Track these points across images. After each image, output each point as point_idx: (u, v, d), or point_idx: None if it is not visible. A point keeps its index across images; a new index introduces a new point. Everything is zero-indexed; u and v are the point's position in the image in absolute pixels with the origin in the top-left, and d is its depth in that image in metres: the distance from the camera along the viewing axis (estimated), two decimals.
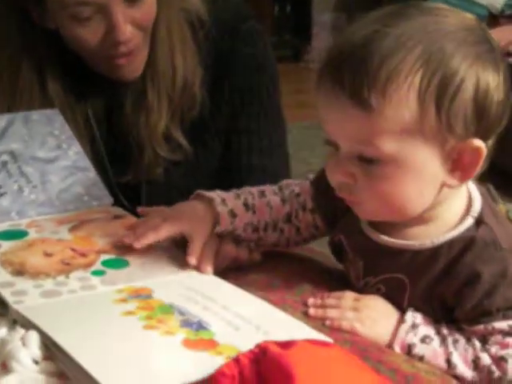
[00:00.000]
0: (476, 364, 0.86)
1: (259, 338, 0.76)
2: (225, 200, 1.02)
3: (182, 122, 1.30)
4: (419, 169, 0.83)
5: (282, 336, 0.75)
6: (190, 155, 1.32)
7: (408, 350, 0.87)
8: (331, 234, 1.01)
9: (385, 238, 0.92)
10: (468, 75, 0.81)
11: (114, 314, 0.85)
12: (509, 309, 0.86)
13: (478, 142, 0.83)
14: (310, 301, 0.94)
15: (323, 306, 0.92)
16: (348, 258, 0.98)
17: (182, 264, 0.99)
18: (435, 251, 0.88)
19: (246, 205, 1.03)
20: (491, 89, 0.82)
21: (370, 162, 0.83)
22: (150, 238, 0.98)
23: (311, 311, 0.92)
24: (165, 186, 1.33)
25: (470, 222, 0.88)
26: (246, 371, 0.69)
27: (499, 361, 0.85)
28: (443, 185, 0.85)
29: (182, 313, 0.85)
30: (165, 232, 0.99)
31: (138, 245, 0.97)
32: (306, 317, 0.91)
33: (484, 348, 0.86)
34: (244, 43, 1.32)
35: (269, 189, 1.06)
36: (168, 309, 0.86)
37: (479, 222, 0.88)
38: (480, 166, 0.84)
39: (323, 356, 0.70)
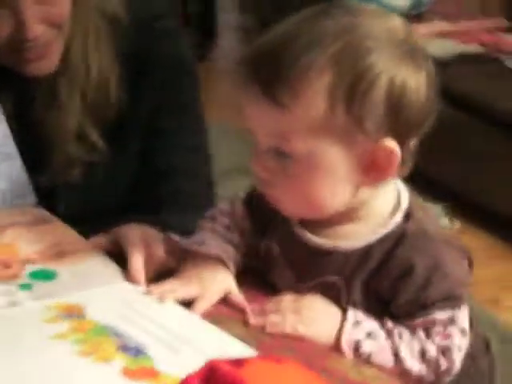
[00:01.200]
0: (423, 356, 0.86)
1: (200, 363, 0.73)
2: None
3: (97, 121, 1.25)
4: (331, 168, 0.83)
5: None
6: (108, 156, 1.26)
7: (355, 347, 0.86)
8: (259, 242, 0.98)
9: (316, 239, 0.91)
10: (383, 73, 0.80)
11: (43, 336, 0.81)
12: (445, 300, 0.86)
13: (390, 143, 0.82)
14: (249, 309, 0.91)
15: (263, 313, 0.90)
16: (276, 269, 0.96)
17: (113, 274, 0.96)
18: (367, 250, 0.88)
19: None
20: (409, 89, 0.82)
21: (285, 158, 0.83)
22: None
23: (251, 320, 0.89)
24: (82, 188, 1.28)
25: (399, 217, 0.88)
26: None
27: (445, 352, 0.85)
28: (359, 185, 0.85)
29: (118, 335, 0.82)
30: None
31: None
32: (246, 326, 0.89)
33: (429, 340, 0.86)
34: (161, 41, 1.27)
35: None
36: (103, 330, 0.83)
37: (408, 215, 0.88)
38: (395, 168, 0.84)
39: (277, 372, 0.66)
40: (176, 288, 0.92)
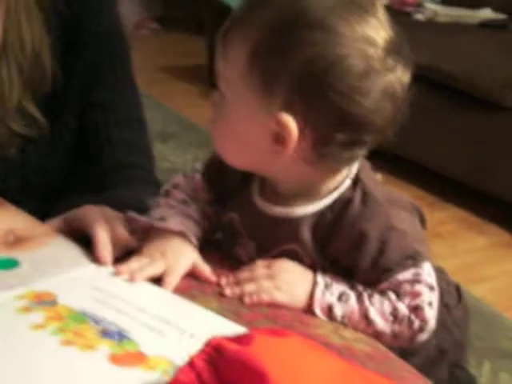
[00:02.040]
0: (395, 316, 0.86)
1: (187, 343, 0.74)
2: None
3: (35, 95, 1.21)
4: (243, 120, 0.85)
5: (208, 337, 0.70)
6: (46, 132, 1.23)
7: (328, 310, 0.87)
8: (223, 214, 0.98)
9: (272, 208, 0.91)
10: (306, 51, 0.79)
11: (21, 327, 0.78)
12: (405, 259, 0.86)
13: (286, 117, 0.82)
14: (223, 281, 0.90)
15: (237, 283, 0.89)
16: (239, 240, 0.96)
17: (78, 256, 0.93)
18: (318, 215, 0.89)
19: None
20: (332, 78, 0.79)
21: (221, 97, 0.86)
22: None
23: (227, 291, 0.89)
24: (20, 165, 1.23)
25: (347, 183, 0.89)
26: (205, 375, 0.63)
27: (415, 310, 0.86)
28: (266, 154, 0.85)
29: (97, 321, 0.79)
30: None
31: None
32: (221, 298, 0.88)
33: (399, 299, 0.87)
34: (91, 13, 1.23)
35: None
36: (80, 317, 0.80)
37: (356, 181, 0.89)
38: (291, 145, 0.83)
39: (286, 347, 0.65)
40: (144, 266, 0.90)
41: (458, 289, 1.05)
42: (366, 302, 0.87)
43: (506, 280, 2.25)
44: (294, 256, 0.91)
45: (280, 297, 0.88)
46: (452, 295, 1.02)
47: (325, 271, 0.90)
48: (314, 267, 0.90)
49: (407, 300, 0.86)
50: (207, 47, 3.83)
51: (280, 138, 0.83)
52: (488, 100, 2.35)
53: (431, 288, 0.87)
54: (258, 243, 0.94)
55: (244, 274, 0.90)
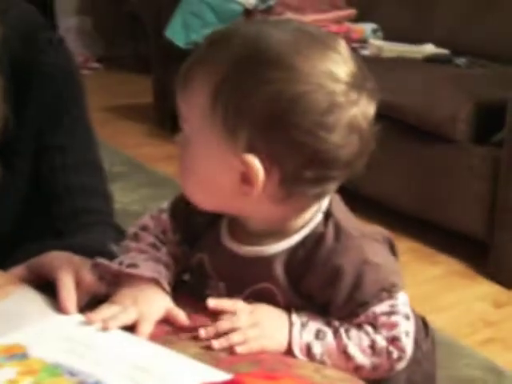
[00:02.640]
0: (373, 349, 0.86)
1: None
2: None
3: None
4: (207, 163, 0.84)
5: None
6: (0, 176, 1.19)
7: (307, 350, 0.86)
8: (192, 255, 0.96)
9: (241, 248, 0.90)
10: (272, 85, 0.78)
11: None
12: (381, 291, 0.86)
13: (250, 158, 0.80)
14: (202, 333, 0.86)
15: (220, 334, 0.86)
16: (208, 281, 0.94)
17: (44, 306, 0.89)
18: (291, 252, 0.88)
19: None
20: (301, 106, 0.78)
21: (184, 138, 0.86)
22: None
23: (215, 345, 0.84)
24: None
25: (319, 217, 0.88)
26: None
27: (393, 341, 0.86)
28: (234, 195, 0.84)
29: (72, 373, 0.76)
30: None
31: None
32: (198, 343, 0.85)
33: (376, 331, 0.86)
34: (43, 53, 1.20)
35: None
36: (55, 370, 0.77)
37: (327, 216, 0.88)
38: (258, 186, 0.81)
39: None
40: (116, 314, 0.87)
41: (424, 321, 1.04)
42: (344, 338, 0.86)
43: (462, 308, 2.27)
44: (267, 295, 0.89)
45: (268, 344, 0.86)
46: (420, 328, 1.01)
47: (299, 309, 0.89)
48: (288, 306, 0.89)
49: (384, 331, 0.86)
50: (153, 86, 3.81)
51: (247, 178, 0.82)
52: (438, 133, 2.38)
53: (407, 317, 0.87)
54: (228, 284, 0.92)
55: (226, 323, 0.87)
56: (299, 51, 0.80)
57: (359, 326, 0.87)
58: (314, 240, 0.87)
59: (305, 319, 0.87)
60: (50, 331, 0.85)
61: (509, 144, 2.26)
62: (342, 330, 0.86)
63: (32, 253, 1.01)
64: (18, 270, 0.98)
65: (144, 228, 0.98)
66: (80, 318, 0.87)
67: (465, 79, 2.61)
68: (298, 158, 0.80)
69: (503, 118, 2.27)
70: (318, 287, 0.87)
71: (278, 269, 0.88)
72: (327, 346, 0.86)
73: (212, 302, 0.88)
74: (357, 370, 0.87)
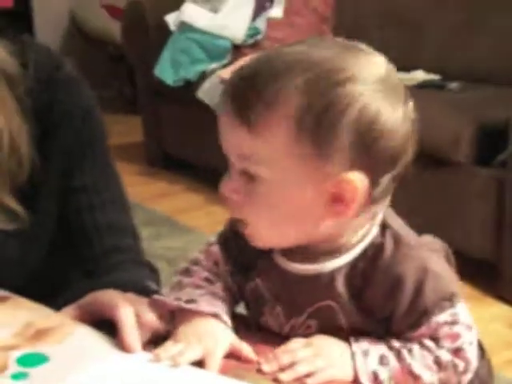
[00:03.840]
0: (438, 364, 0.84)
1: None
2: None
3: (12, 187, 1.15)
4: (292, 196, 0.82)
5: None
6: (27, 222, 1.17)
7: (374, 378, 0.84)
8: (246, 283, 0.95)
9: (299, 266, 0.89)
10: (353, 104, 0.79)
11: None
12: (442, 301, 0.85)
13: (355, 176, 0.81)
14: (266, 368, 0.84)
15: (283, 367, 0.84)
16: (265, 308, 0.93)
17: (107, 346, 0.87)
18: (351, 266, 0.87)
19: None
20: (383, 121, 0.80)
21: (252, 179, 0.83)
22: None
23: (283, 377, 0.83)
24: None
25: (375, 230, 0.88)
26: None
27: (457, 352, 0.85)
28: (323, 218, 0.83)
29: None
30: None
31: None
32: (267, 375, 0.83)
33: (439, 345, 0.85)
34: (62, 92, 1.19)
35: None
36: None
37: (384, 227, 0.88)
38: (358, 203, 0.82)
39: None
40: (182, 351, 0.85)
41: (479, 343, 1.03)
42: (407, 358, 0.85)
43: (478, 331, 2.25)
44: (328, 313, 0.88)
45: (336, 373, 0.84)
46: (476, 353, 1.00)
47: (360, 327, 0.87)
48: (348, 325, 0.87)
49: (447, 343, 0.85)
50: (143, 125, 3.81)
51: (339, 198, 0.82)
52: (441, 157, 2.39)
53: (469, 327, 0.86)
54: (286, 307, 0.91)
55: (287, 356, 0.84)
56: (354, 62, 0.81)
57: (421, 344, 0.85)
58: (373, 251, 0.87)
59: (365, 347, 0.86)
60: (115, 370, 0.83)
61: None
62: (404, 351, 0.85)
63: (79, 292, 1.00)
64: (70, 309, 0.96)
65: (195, 262, 0.97)
66: (144, 355, 0.85)
67: (461, 103, 2.63)
68: (384, 163, 0.82)
69: (505, 139, 2.29)
70: (379, 298, 0.86)
71: (339, 284, 0.87)
72: (393, 370, 0.85)
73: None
74: None
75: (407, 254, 0.86)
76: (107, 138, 1.28)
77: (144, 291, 1.02)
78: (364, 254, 0.87)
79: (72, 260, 1.26)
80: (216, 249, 0.97)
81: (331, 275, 0.87)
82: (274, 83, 0.79)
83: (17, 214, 1.15)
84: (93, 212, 1.22)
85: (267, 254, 0.92)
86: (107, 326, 0.91)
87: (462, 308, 0.86)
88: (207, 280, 0.95)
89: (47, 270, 1.25)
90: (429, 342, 0.85)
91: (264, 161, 0.81)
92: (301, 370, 0.83)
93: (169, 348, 0.86)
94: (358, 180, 0.81)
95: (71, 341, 0.87)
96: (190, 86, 3.38)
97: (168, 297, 0.93)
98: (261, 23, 3.45)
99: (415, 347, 0.85)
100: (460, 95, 2.79)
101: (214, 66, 3.36)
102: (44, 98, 1.18)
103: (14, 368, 0.81)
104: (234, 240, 0.94)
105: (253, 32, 3.45)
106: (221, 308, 0.91)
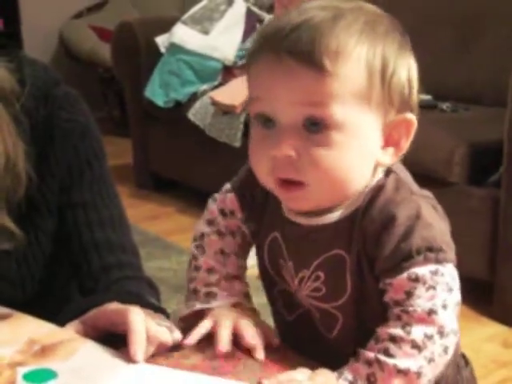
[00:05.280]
0: (417, 347, 0.81)
1: None
2: None
3: (7, 205, 1.14)
4: (362, 139, 0.84)
5: None
6: (23, 241, 1.15)
7: None
8: (264, 235, 0.96)
9: (307, 220, 0.90)
10: (400, 56, 0.85)
11: None
12: (428, 250, 0.83)
13: (410, 116, 0.86)
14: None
15: None
16: (280, 261, 0.94)
17: (116, 359, 0.86)
18: (354, 212, 0.88)
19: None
20: (414, 68, 0.87)
21: (315, 131, 0.82)
22: None
23: None
24: None
25: (380, 174, 0.89)
26: None
27: (429, 315, 0.81)
28: (377, 164, 0.87)
29: None
30: None
31: None
32: None
33: (408, 328, 0.82)
34: (60, 109, 1.19)
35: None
36: None
37: (388, 172, 0.89)
38: (409, 142, 0.88)
39: None
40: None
41: (464, 356, 1.03)
42: (388, 360, 0.82)
43: (472, 350, 2.24)
44: (336, 263, 0.88)
45: None
46: (460, 356, 1.00)
47: (365, 275, 0.87)
48: (355, 273, 0.87)
49: (421, 302, 0.82)
50: (133, 146, 3.79)
51: (391, 141, 0.86)
52: (434, 177, 2.39)
53: (449, 289, 0.83)
54: (295, 260, 0.92)
55: None
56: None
57: (392, 338, 0.82)
58: (374, 191, 0.87)
59: (350, 376, 0.84)
60: (128, 382, 0.82)
61: (506, 184, 2.28)
62: (381, 357, 0.82)
63: (81, 308, 0.99)
64: (74, 325, 0.95)
65: (210, 222, 1.00)
66: (151, 369, 0.85)
67: (453, 123, 2.64)
68: (414, 109, 0.88)
69: (497, 159, 2.30)
70: (373, 238, 0.85)
71: (344, 233, 0.88)
72: (383, 381, 0.82)
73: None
74: (420, 376, 0.82)
75: (406, 198, 0.86)
76: (105, 154, 1.27)
77: (148, 307, 1.01)
78: (366, 195, 0.88)
79: (72, 277, 1.25)
80: (232, 197, 0.99)
81: (336, 225, 0.88)
82: (340, 29, 0.82)
83: (13, 233, 1.14)
84: (92, 229, 1.21)
85: (276, 209, 0.93)
86: (111, 342, 0.90)
87: (449, 269, 0.84)
88: (221, 252, 0.98)
89: (47, 286, 1.24)
90: (399, 331, 0.82)
91: (338, 102, 0.81)
92: None
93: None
94: (413, 119, 0.87)
95: (78, 356, 0.86)
96: (180, 108, 3.38)
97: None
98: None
99: (389, 345, 0.82)
100: (451, 115, 2.80)
101: (204, 87, 3.37)
102: (42, 115, 1.17)
103: None
104: (249, 189, 0.97)
105: (243, 53, 3.45)
106: (238, 292, 0.96)
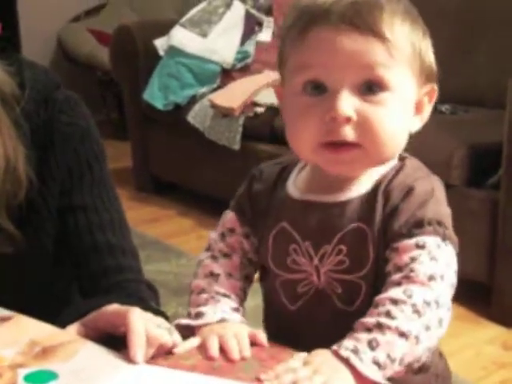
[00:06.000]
0: (417, 312, 0.83)
1: None
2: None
3: (7, 208, 1.14)
4: (408, 102, 0.92)
5: None
6: (23, 244, 1.15)
7: (378, 366, 0.82)
8: (268, 233, 0.98)
9: (327, 197, 0.94)
10: (425, 37, 0.94)
11: None
12: (438, 223, 0.89)
13: (434, 85, 0.96)
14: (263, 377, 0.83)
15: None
16: (291, 247, 0.96)
17: (116, 360, 0.86)
18: (376, 186, 0.93)
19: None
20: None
21: (371, 93, 0.89)
22: None
23: None
24: None
25: (396, 159, 0.96)
26: None
27: (429, 280, 0.85)
28: (413, 127, 0.95)
29: None
30: None
31: None
32: None
33: (408, 292, 0.85)
34: (61, 112, 1.19)
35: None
36: None
37: (403, 158, 0.96)
38: (430, 104, 0.97)
39: None
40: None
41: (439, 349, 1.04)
42: (390, 322, 0.83)
43: (472, 352, 2.25)
44: (360, 234, 0.91)
45: None
46: (437, 349, 1.01)
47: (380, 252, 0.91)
48: (377, 248, 0.91)
49: (422, 268, 0.86)
50: (132, 149, 3.80)
51: (419, 107, 0.95)
52: None
53: (448, 266, 0.88)
54: (314, 238, 0.94)
55: (287, 376, 0.82)
56: None
57: (393, 301, 0.84)
58: (394, 170, 0.94)
59: (351, 345, 0.83)
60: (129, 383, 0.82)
61: (505, 186, 2.28)
62: (382, 320, 0.83)
63: (81, 310, 1.00)
64: (75, 327, 0.95)
65: (207, 249, 1.03)
66: (152, 369, 0.85)
67: (453, 125, 2.64)
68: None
69: (497, 161, 2.30)
70: (392, 204, 0.91)
71: (368, 203, 0.92)
72: (386, 344, 0.82)
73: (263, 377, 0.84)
74: (418, 342, 0.83)
75: (423, 177, 0.93)
76: (105, 158, 1.27)
77: (147, 310, 1.01)
78: (386, 175, 0.94)
79: (72, 279, 1.25)
80: (231, 215, 1.03)
81: (360, 199, 0.93)
82: (387, 7, 0.89)
83: (13, 236, 1.14)
84: (92, 231, 1.21)
85: (283, 197, 0.98)
86: (111, 344, 0.90)
87: (450, 249, 0.90)
88: (211, 274, 1.00)
89: (48, 289, 1.24)
90: (400, 294, 0.84)
91: (396, 66, 0.89)
92: None
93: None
94: (436, 88, 0.96)
95: (79, 358, 0.86)
96: (179, 111, 3.38)
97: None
98: (250, 47, 3.47)
99: (390, 308, 0.84)
100: (451, 117, 2.81)
101: (203, 90, 3.37)
102: (42, 118, 1.17)
103: None
104: (247, 200, 1.01)
105: (242, 56, 3.46)
106: (225, 309, 0.97)
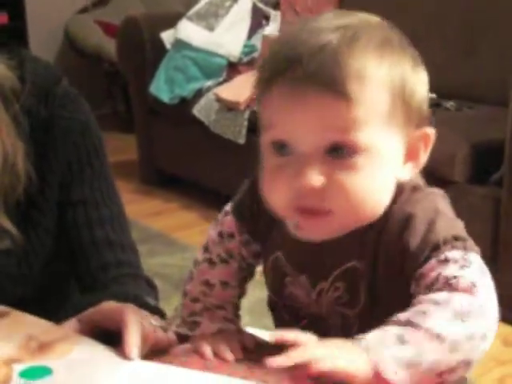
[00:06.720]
0: (461, 314, 0.75)
1: None
2: None
3: (5, 203, 1.14)
4: (386, 160, 0.82)
5: None
6: (20, 240, 1.16)
7: (402, 364, 0.73)
8: (266, 255, 0.95)
9: None
10: (415, 73, 0.84)
11: None
12: (454, 239, 0.81)
13: (429, 130, 0.86)
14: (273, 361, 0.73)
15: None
16: (287, 279, 0.92)
17: (112, 356, 0.87)
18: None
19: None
20: (426, 81, 0.86)
21: (340, 157, 0.80)
22: None
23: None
24: None
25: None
26: None
27: (472, 288, 0.77)
28: (397, 180, 0.85)
29: None
30: None
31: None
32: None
33: (452, 294, 0.76)
34: (61, 107, 1.19)
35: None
36: None
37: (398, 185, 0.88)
38: (427, 150, 0.88)
39: None
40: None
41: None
42: (426, 320, 0.75)
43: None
44: (352, 276, 0.86)
45: (342, 364, 0.73)
46: None
47: (381, 289, 0.85)
48: (371, 287, 0.85)
49: (456, 283, 0.77)
50: (138, 142, 3.81)
51: (413, 154, 0.86)
52: (437, 175, 2.39)
53: (483, 272, 0.80)
54: (311, 274, 0.90)
55: (300, 356, 0.74)
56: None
57: (436, 303, 0.76)
58: (391, 200, 0.86)
59: (377, 334, 0.75)
60: (124, 379, 0.83)
61: (508, 183, 2.28)
62: (417, 317, 0.75)
63: (79, 306, 1.01)
64: (71, 323, 0.96)
65: (206, 249, 0.99)
66: (148, 366, 0.86)
67: (457, 121, 2.64)
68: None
69: (500, 158, 2.30)
70: (394, 240, 0.83)
71: (362, 242, 0.86)
72: (415, 343, 0.74)
73: (272, 336, 0.77)
74: (455, 350, 0.74)
75: (420, 197, 0.86)
76: (106, 152, 1.28)
77: (144, 307, 1.01)
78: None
79: (70, 274, 1.26)
80: (230, 219, 0.98)
81: (353, 234, 0.85)
82: (356, 53, 0.79)
83: (10, 233, 1.14)
84: (91, 227, 1.21)
85: (281, 226, 0.89)
86: (107, 340, 0.91)
87: (475, 257, 0.81)
88: (206, 283, 0.98)
89: (46, 284, 1.24)
90: (443, 296, 0.76)
91: (364, 128, 0.79)
92: (314, 355, 0.73)
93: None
94: (431, 133, 0.87)
95: (74, 354, 0.87)
96: (185, 104, 3.39)
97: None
98: (257, 41, 3.47)
99: (430, 307, 0.76)
100: (455, 114, 2.81)
101: (209, 83, 3.38)
102: (42, 113, 1.17)
103: (17, 381, 0.81)
104: (249, 210, 0.95)
105: (249, 49, 3.46)
106: (220, 319, 0.96)
